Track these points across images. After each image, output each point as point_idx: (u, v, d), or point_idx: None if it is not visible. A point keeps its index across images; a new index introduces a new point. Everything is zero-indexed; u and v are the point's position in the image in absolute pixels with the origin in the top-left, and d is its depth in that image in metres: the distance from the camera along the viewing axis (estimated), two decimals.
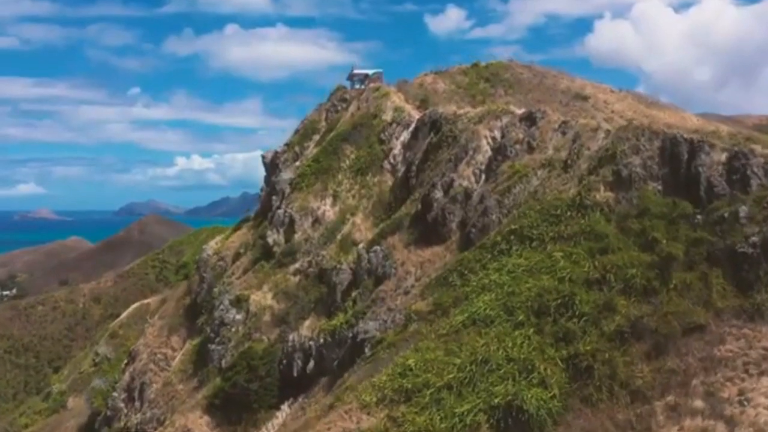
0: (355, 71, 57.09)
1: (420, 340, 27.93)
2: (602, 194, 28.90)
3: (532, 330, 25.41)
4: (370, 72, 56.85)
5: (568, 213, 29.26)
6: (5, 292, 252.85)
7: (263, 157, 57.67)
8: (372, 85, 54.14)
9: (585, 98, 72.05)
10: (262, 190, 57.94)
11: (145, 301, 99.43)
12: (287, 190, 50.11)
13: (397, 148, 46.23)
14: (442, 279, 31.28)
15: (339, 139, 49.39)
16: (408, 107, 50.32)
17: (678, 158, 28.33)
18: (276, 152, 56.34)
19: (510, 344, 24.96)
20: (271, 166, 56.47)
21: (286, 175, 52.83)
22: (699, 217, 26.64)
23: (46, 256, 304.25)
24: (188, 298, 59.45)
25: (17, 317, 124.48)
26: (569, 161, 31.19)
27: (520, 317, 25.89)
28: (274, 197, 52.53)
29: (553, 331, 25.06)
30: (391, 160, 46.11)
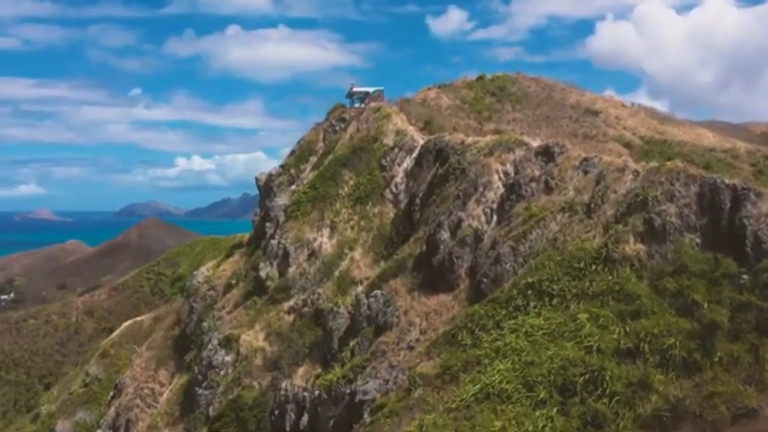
0: (355, 89, 53.71)
1: (426, 412, 24.68)
2: (632, 246, 25.59)
3: (555, 410, 22.11)
4: (370, 90, 53.45)
5: (593, 267, 25.95)
6: (3, 297, 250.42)
7: (257, 179, 54.35)
8: (372, 104, 50.75)
9: (596, 113, 68.80)
10: (255, 214, 54.64)
11: (138, 318, 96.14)
12: (281, 218, 46.79)
13: (400, 176, 42.89)
14: (450, 336, 27.97)
15: (337, 163, 46.05)
16: (411, 129, 46.95)
17: (719, 207, 25.00)
18: (270, 175, 53.00)
19: (531, 428, 21.69)
20: (265, 189, 53.15)
21: (281, 200, 49.50)
22: (745, 277, 23.34)
23: (44, 259, 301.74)
24: (177, 328, 56.20)
25: (8, 331, 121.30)
26: (593, 205, 27.88)
27: (542, 394, 22.59)
28: (267, 224, 49.22)
29: (580, 412, 21.76)
30: (393, 189, 42.75)
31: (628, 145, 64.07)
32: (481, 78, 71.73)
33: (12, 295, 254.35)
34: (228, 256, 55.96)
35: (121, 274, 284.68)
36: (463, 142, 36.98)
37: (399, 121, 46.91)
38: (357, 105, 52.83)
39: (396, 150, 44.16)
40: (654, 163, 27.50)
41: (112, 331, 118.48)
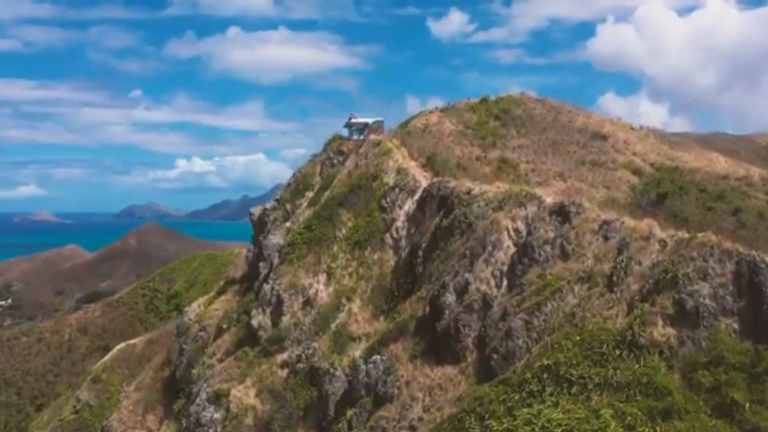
0: (353, 120, 51.03)
1: None
2: (661, 331, 22.93)
3: None
4: (369, 121, 50.83)
5: (617, 352, 23.31)
6: (0, 303, 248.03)
7: (250, 213, 51.78)
8: (372, 137, 48.12)
9: (604, 138, 66.30)
10: (249, 250, 52.03)
11: (131, 341, 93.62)
12: (275, 260, 44.18)
13: (401, 220, 40.23)
14: (456, 420, 25.30)
15: (334, 203, 43.40)
16: (413, 166, 44.31)
17: (759, 289, 22.34)
18: (265, 209, 50.37)
19: None
20: (259, 224, 50.51)
21: (275, 238, 46.91)
22: None
23: (42, 264, 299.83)
24: (167, 369, 53.55)
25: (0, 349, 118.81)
26: (615, 278, 25.22)
27: None
28: (261, 263, 46.64)
29: None
30: (394, 234, 40.09)
31: (637, 172, 61.51)
32: (484, 100, 69.35)
33: (9, 301, 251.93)
34: (220, 293, 53.29)
35: (120, 279, 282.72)
36: (469, 192, 34.27)
37: (400, 157, 44.28)
38: (356, 137, 50.21)
39: (397, 190, 41.50)
40: (683, 233, 24.84)
41: (106, 349, 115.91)
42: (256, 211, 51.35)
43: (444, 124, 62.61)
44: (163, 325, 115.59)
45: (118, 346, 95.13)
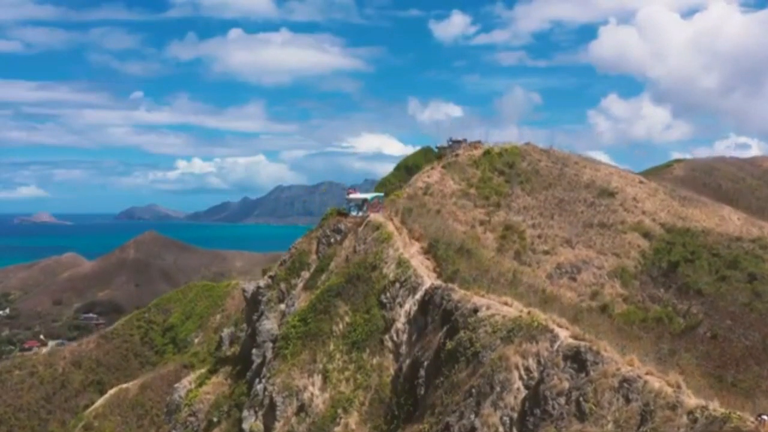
0: (352, 195, 48.73)
1: None
2: None
3: None
4: (368, 197, 48.51)
5: None
6: None
7: (244, 290, 49.44)
8: (371, 214, 45.67)
9: (612, 194, 64.05)
10: (241, 330, 49.70)
11: (124, 386, 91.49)
12: (269, 353, 41.87)
13: (401, 321, 37.82)
14: None
15: (331, 294, 40.98)
16: (414, 252, 41.90)
17: None
18: (258, 287, 48.07)
19: None
20: (253, 302, 48.21)
21: (269, 323, 44.62)
22: None
23: (41, 273, 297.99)
24: None
25: None
26: None
27: None
28: (254, 350, 44.36)
29: None
30: (394, 337, 37.68)
31: (647, 234, 59.22)
32: (487, 152, 67.30)
33: (8, 311, 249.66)
34: (212, 371, 50.96)
35: (118, 289, 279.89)
36: (475, 311, 31.81)
37: (401, 245, 41.83)
38: (354, 213, 47.81)
39: (397, 285, 39.10)
40: (714, 407, 22.43)
41: (100, 383, 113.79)
42: (250, 288, 49.00)
43: (446, 183, 60.44)
44: (158, 360, 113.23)
45: (111, 391, 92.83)
